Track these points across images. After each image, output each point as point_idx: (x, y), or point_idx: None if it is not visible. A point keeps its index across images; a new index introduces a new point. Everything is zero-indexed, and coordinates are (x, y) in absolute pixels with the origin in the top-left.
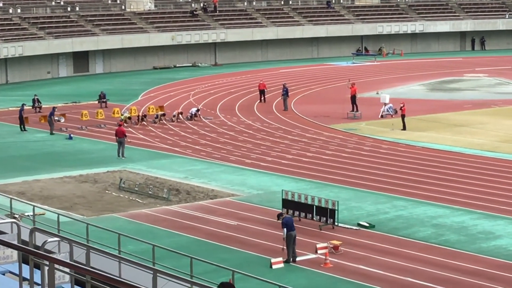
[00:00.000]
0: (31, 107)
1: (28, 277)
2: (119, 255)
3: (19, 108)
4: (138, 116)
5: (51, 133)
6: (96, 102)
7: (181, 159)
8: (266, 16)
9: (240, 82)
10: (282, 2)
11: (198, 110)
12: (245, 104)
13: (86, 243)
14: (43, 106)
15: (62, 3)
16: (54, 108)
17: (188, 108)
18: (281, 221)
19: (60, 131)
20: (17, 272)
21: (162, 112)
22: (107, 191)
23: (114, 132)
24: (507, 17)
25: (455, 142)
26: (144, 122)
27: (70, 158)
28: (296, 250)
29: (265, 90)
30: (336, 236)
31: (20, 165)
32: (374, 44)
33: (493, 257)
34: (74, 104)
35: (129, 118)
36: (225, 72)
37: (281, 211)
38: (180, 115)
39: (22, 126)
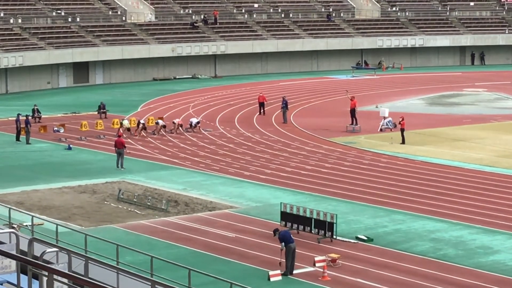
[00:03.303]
0: (30, 117)
1: None
2: (117, 266)
3: (15, 119)
4: (138, 126)
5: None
6: (96, 112)
7: (180, 170)
8: (266, 28)
9: (240, 94)
10: (283, 15)
11: (198, 122)
12: (244, 116)
13: (84, 254)
14: (42, 116)
15: (63, 13)
16: (27, 115)
17: (187, 119)
18: (277, 237)
19: (59, 141)
20: (15, 283)
21: (162, 123)
22: (105, 202)
23: (114, 143)
24: (506, 32)
25: (454, 156)
26: (143, 133)
27: (69, 168)
28: (294, 263)
29: (265, 102)
30: (334, 249)
31: (19, 175)
32: (374, 57)
33: (491, 272)
34: (74, 114)
35: (128, 129)
36: (225, 84)
37: (278, 225)
38: (180, 127)
39: (17, 136)
